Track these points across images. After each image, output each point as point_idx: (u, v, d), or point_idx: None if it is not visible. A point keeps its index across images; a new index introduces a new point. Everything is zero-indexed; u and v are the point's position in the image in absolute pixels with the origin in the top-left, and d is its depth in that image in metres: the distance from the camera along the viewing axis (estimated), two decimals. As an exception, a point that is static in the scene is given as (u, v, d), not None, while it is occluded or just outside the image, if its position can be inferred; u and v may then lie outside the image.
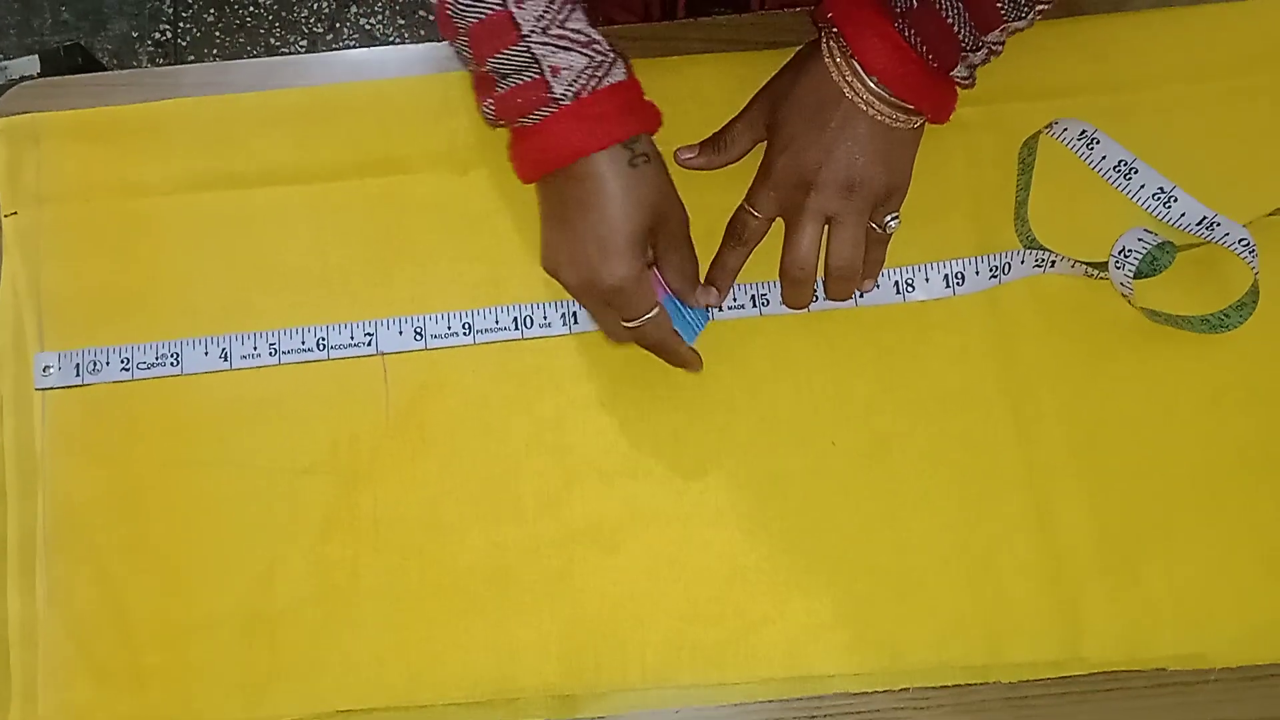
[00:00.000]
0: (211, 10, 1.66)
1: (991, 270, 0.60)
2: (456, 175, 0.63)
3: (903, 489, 0.58)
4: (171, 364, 0.60)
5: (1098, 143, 0.61)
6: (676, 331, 0.56)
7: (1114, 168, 0.61)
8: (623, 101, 0.52)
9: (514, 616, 0.57)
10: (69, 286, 0.62)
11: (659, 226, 0.55)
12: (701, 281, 0.58)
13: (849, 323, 0.61)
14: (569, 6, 0.52)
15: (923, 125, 0.57)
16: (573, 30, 0.52)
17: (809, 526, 0.58)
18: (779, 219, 0.58)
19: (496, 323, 0.61)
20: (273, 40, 1.63)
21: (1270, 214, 0.60)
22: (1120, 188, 0.61)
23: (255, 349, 0.60)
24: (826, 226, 0.57)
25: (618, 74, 0.52)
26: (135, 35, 1.64)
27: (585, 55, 0.51)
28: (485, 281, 0.61)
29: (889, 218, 0.58)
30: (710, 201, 0.60)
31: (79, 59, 1.44)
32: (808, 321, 0.61)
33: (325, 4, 1.67)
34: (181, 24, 1.65)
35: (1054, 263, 0.60)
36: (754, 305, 0.60)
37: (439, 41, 0.62)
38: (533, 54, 0.51)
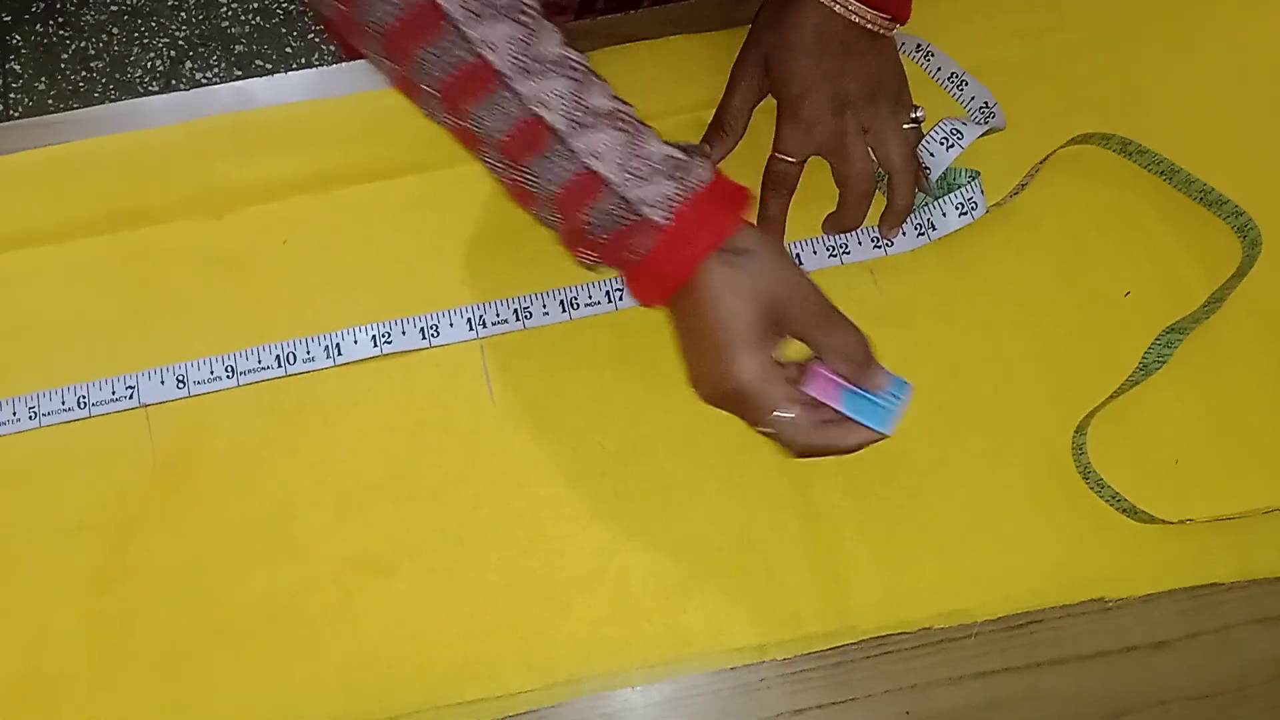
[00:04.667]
0: (42, 79, 1.63)
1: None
2: (211, 219, 0.64)
3: (668, 485, 0.59)
4: (-72, 438, 0.59)
5: (933, 55, 0.67)
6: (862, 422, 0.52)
7: (948, 78, 0.66)
8: (713, 204, 0.50)
9: (293, 652, 0.57)
10: None
11: (783, 314, 0.51)
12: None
13: (609, 328, 0.62)
14: (638, 128, 0.50)
15: (895, 29, 0.61)
16: (651, 153, 0.50)
17: (581, 530, 0.59)
18: None
19: (259, 362, 0.61)
20: (109, 101, 1.61)
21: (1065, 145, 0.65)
22: (955, 97, 0.67)
23: (15, 414, 0.60)
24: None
25: (700, 174, 0.50)
26: (-35, 109, 1.61)
27: (671, 180, 0.50)
28: (245, 323, 0.62)
29: (915, 111, 0.62)
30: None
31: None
32: (571, 329, 0.62)
33: (159, 61, 1.66)
34: (12, 94, 1.62)
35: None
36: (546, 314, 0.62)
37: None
38: (625, 199, 0.49)
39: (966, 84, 0.66)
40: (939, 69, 0.67)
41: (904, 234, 0.63)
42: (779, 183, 0.61)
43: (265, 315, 0.62)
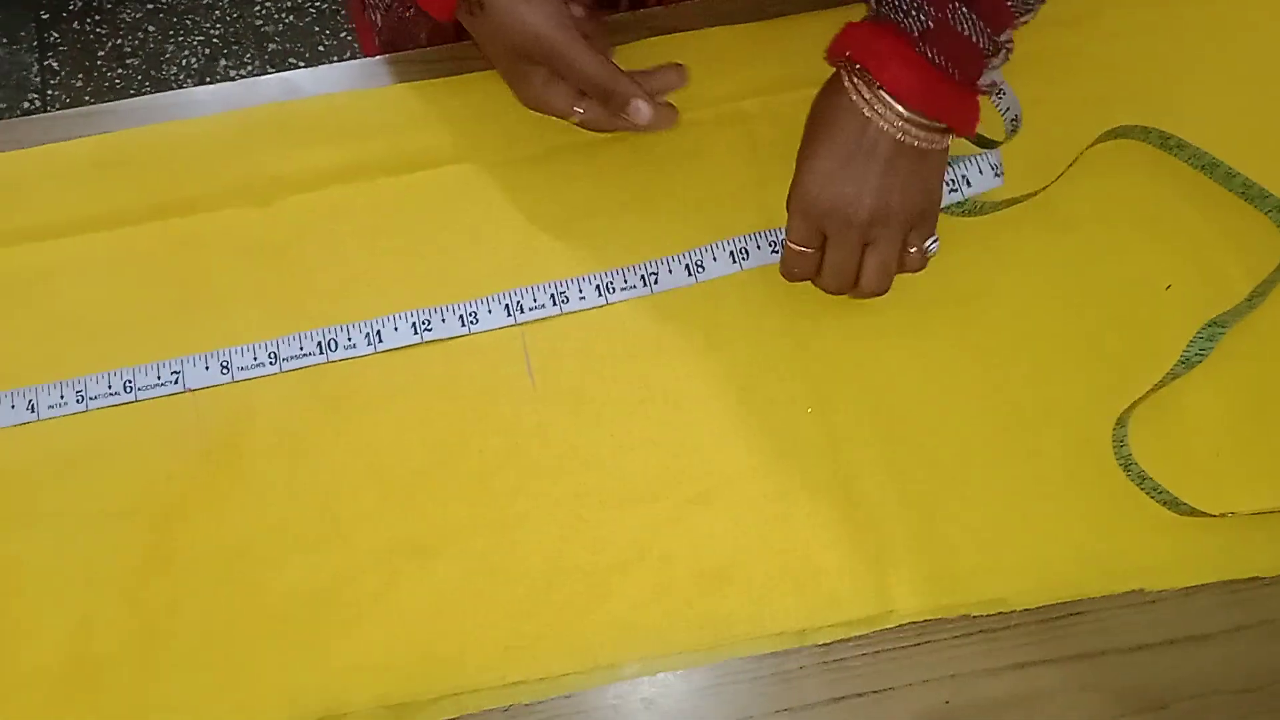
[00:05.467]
0: (79, 75, 1.65)
1: (771, 246, 0.63)
2: (256, 208, 0.64)
3: (708, 470, 0.60)
4: (-23, 421, 0.60)
5: None
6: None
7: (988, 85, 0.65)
8: None
9: (338, 635, 0.57)
10: None
11: (529, 55, 0.59)
12: None
13: (647, 313, 0.62)
14: None
15: (948, 144, 0.58)
16: None
17: (621, 515, 0.59)
18: None
19: (301, 349, 0.61)
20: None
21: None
22: (995, 104, 0.65)
23: (62, 398, 0.60)
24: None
25: None
26: (4, 106, 1.63)
27: None
28: (288, 310, 0.62)
29: (930, 241, 0.59)
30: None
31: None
32: (608, 314, 0.62)
33: (194, 59, 1.67)
34: (50, 91, 1.65)
35: None
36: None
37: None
38: None
39: (1004, 93, 0.65)
40: None
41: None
42: (791, 274, 0.61)
43: (308, 302, 0.63)
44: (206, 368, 0.61)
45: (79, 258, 0.63)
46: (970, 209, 0.63)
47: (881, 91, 0.55)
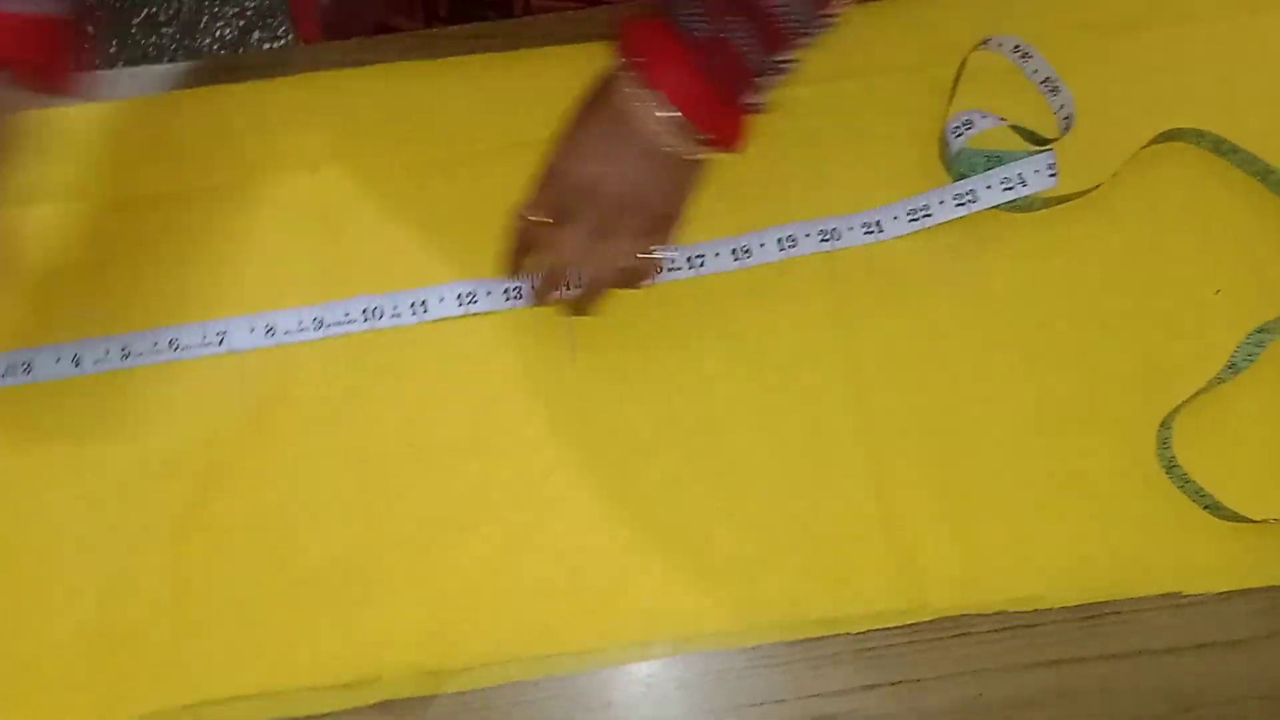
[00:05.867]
0: (113, 42, 1.66)
1: (822, 235, 0.63)
2: (307, 173, 0.64)
3: (751, 456, 0.60)
4: (23, 372, 0.60)
5: (1030, 56, 0.66)
6: None
7: (1043, 82, 0.65)
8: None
9: (372, 601, 0.57)
10: None
11: None
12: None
13: (693, 296, 0.62)
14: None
15: (705, 158, 0.57)
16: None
17: (658, 496, 0.59)
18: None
19: (346, 315, 0.62)
20: (177, 69, 1.64)
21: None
22: (1049, 101, 0.66)
23: (107, 352, 0.61)
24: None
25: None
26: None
27: None
28: (334, 276, 0.62)
29: (662, 250, 0.58)
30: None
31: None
32: (654, 295, 0.62)
33: (229, 30, 1.68)
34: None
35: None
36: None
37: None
38: None
39: (1059, 90, 0.65)
40: (1035, 71, 0.66)
41: (942, 203, 0.63)
42: (516, 241, 0.60)
43: (354, 270, 0.63)
44: (251, 330, 0.61)
45: (130, 216, 0.63)
46: (1020, 205, 0.63)
47: (653, 93, 0.53)
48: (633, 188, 0.55)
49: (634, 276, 0.59)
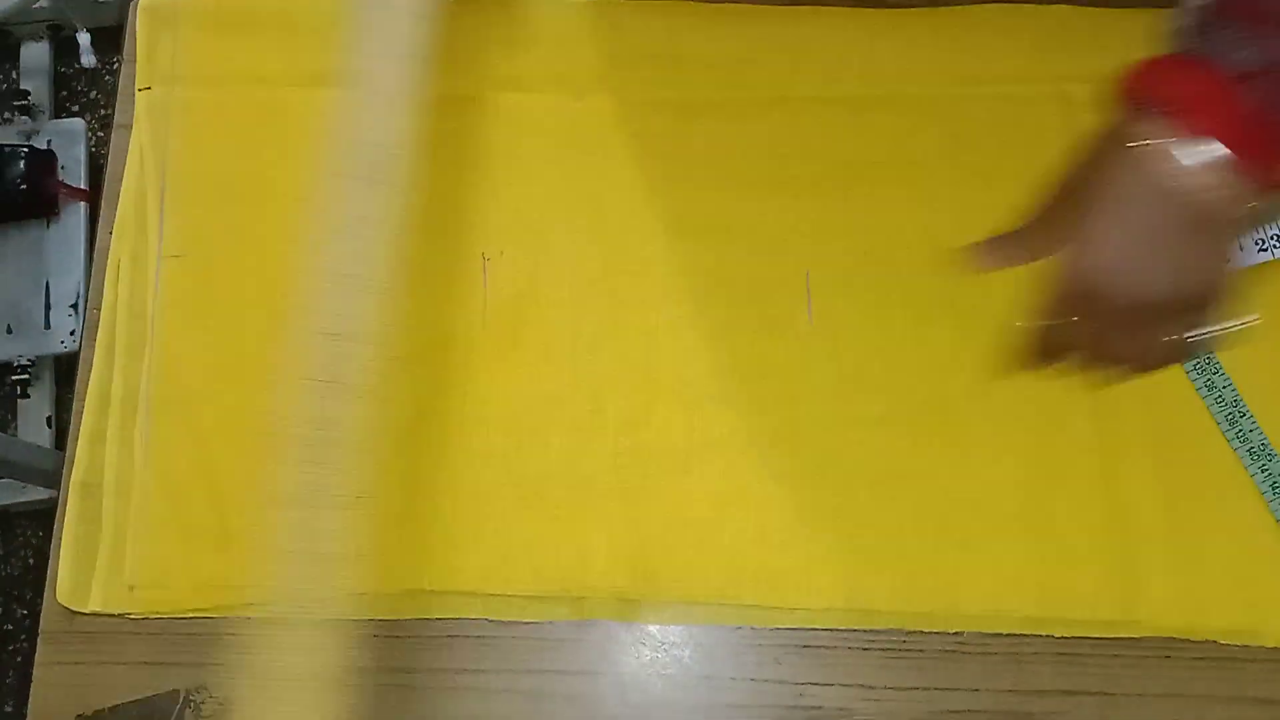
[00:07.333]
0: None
1: None
2: (572, 99, 0.65)
3: (974, 443, 0.59)
4: (284, 241, 0.62)
5: None
6: None
7: None
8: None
9: (588, 521, 0.58)
10: (192, 165, 0.64)
11: None
12: None
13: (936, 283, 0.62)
14: None
15: (1256, 207, 0.45)
16: None
17: (879, 469, 0.59)
18: None
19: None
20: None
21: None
22: None
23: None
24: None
25: None
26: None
27: None
28: (587, 204, 0.63)
29: (1215, 326, 0.46)
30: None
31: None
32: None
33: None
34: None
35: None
36: None
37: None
38: None
39: None
40: None
41: (1241, 248, 0.61)
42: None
43: (606, 200, 0.64)
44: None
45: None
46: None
47: (1190, 140, 0.43)
48: (1179, 275, 0.45)
49: (1185, 355, 0.49)
